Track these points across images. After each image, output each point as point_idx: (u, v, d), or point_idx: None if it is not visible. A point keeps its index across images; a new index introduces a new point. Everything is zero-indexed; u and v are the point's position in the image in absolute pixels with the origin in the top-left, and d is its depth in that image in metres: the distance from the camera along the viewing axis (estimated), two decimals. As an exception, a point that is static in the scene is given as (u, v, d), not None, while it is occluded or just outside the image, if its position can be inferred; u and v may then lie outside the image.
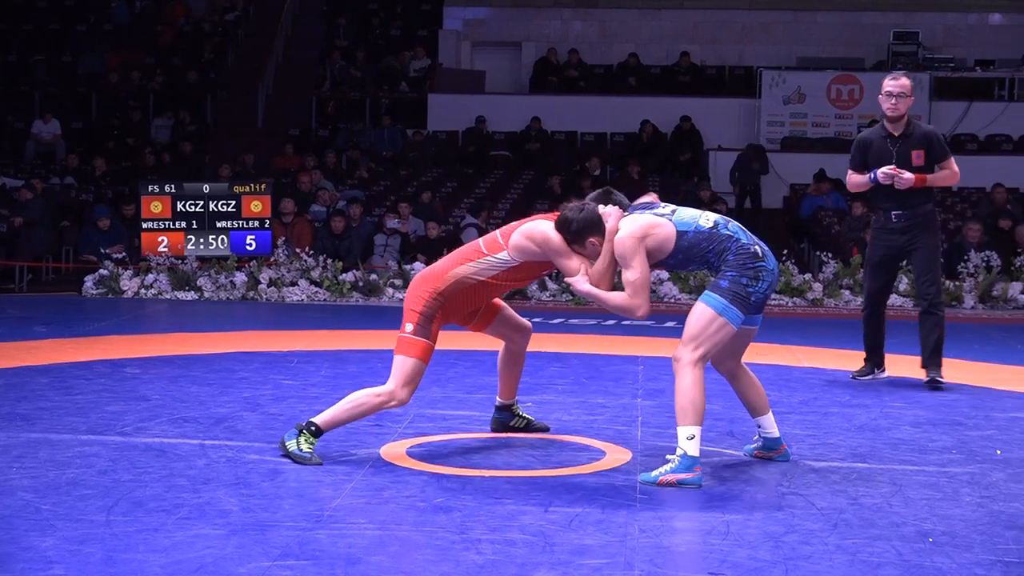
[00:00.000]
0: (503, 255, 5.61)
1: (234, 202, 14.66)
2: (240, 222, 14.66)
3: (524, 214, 17.37)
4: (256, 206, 14.72)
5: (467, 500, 4.91)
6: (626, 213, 5.46)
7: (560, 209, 5.51)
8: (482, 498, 4.95)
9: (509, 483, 5.23)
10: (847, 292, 13.70)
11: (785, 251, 14.57)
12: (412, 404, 6.78)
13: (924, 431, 6.54)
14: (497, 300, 6.03)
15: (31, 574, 3.92)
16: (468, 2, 24.16)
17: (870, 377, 8.26)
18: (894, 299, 13.57)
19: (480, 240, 5.76)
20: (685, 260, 5.46)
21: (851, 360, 8.76)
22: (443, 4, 24.23)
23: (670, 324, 11.54)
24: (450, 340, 10.03)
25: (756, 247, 5.36)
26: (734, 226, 5.42)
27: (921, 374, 8.16)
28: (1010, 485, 5.36)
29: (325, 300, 13.69)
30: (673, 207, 5.49)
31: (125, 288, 13.98)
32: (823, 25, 23.60)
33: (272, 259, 14.25)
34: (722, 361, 5.63)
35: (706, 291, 5.38)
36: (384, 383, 5.60)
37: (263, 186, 14.95)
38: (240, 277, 13.86)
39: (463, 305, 5.75)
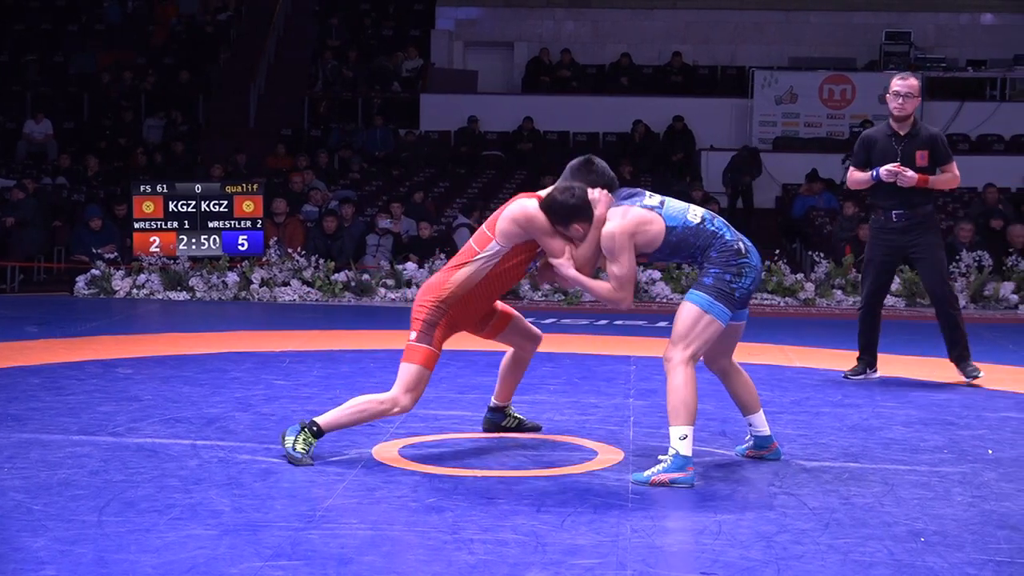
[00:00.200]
0: (492, 246, 5.58)
1: (226, 202, 14.66)
2: (232, 222, 14.66)
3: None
4: (248, 206, 14.72)
5: (459, 500, 4.91)
6: (615, 202, 5.42)
7: (545, 187, 5.49)
8: (474, 498, 4.95)
9: (501, 483, 5.23)
10: (839, 292, 13.72)
11: (777, 251, 14.58)
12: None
13: (916, 431, 6.55)
14: (509, 309, 6.01)
15: (22, 575, 3.91)
16: (460, 2, 24.15)
17: (862, 377, 8.27)
18: (887, 299, 13.60)
19: (471, 240, 5.74)
20: (671, 254, 5.48)
21: (843, 360, 8.77)
22: (435, 4, 24.21)
23: (662, 324, 11.56)
24: (446, 341, 10.04)
25: (740, 243, 5.37)
26: (719, 222, 5.43)
27: (919, 375, 8.18)
28: (1001, 484, 5.36)
29: (317, 300, 13.68)
30: (660, 198, 5.47)
31: (117, 288, 13.97)
32: (815, 25, 23.62)
33: (264, 259, 14.25)
34: (713, 360, 5.63)
35: (691, 289, 5.38)
36: (382, 385, 5.59)
37: (255, 186, 14.95)
38: (232, 277, 13.86)
39: (470, 310, 5.70)
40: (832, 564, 4.18)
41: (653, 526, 4.59)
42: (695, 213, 5.40)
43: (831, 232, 15.94)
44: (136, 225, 14.58)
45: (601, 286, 5.40)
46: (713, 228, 5.36)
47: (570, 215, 5.39)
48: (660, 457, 5.27)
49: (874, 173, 8.02)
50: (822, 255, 14.27)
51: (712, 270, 5.32)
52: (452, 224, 16.45)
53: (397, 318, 12.29)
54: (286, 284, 13.85)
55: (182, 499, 4.82)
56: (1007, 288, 13.54)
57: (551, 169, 19.05)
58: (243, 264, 14.14)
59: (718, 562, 4.17)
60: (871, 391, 7.87)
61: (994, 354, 9.40)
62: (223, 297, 13.74)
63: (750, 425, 5.74)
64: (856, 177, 8.21)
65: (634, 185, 7.65)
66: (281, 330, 10.95)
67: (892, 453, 5.98)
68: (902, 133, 8.08)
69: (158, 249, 14.41)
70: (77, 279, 14.23)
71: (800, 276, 14.05)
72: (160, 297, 13.79)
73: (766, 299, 13.54)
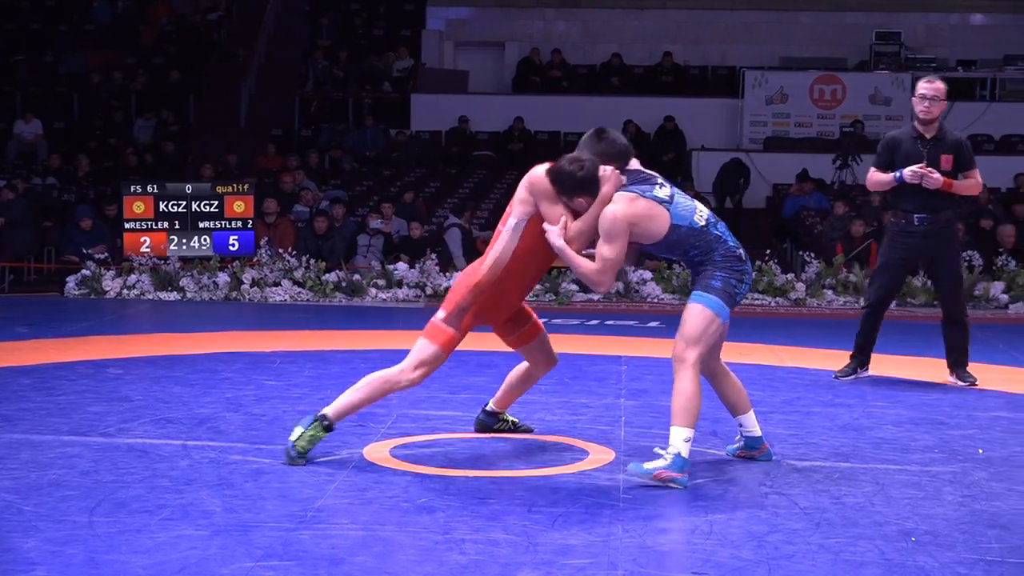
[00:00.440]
0: (511, 220, 5.55)
1: (217, 202, 14.64)
2: (223, 222, 14.64)
3: (507, 214, 17.46)
4: (239, 206, 14.70)
5: (450, 500, 4.91)
6: (626, 185, 5.34)
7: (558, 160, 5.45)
8: (465, 498, 4.95)
9: (492, 483, 5.23)
10: (829, 292, 13.73)
11: (768, 251, 14.59)
12: (395, 404, 6.80)
13: (906, 430, 6.56)
14: (540, 324, 5.98)
15: (13, 575, 3.91)
16: (451, 2, 24.15)
17: (853, 377, 8.27)
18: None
19: (499, 224, 5.69)
20: (666, 249, 5.46)
21: (834, 360, 8.78)
22: (426, 4, 24.21)
23: (653, 324, 11.58)
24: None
25: (740, 250, 5.41)
26: (722, 227, 5.44)
27: (910, 375, 8.19)
28: (992, 484, 5.37)
29: (308, 300, 13.67)
30: (671, 190, 5.40)
31: (107, 288, 13.95)
32: (806, 25, 23.64)
33: (255, 259, 14.23)
34: (703, 361, 5.63)
35: (698, 291, 5.35)
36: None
37: (246, 186, 14.93)
38: (223, 277, 13.84)
39: (502, 299, 5.66)
40: (823, 564, 4.18)
41: (644, 526, 4.60)
42: (701, 215, 5.37)
43: (821, 232, 15.96)
44: (126, 225, 14.55)
45: (584, 263, 5.35)
46: (717, 233, 5.37)
47: (575, 187, 5.32)
48: (659, 451, 5.25)
49: (898, 175, 7.96)
50: (812, 255, 14.28)
51: (719, 274, 5.32)
52: (443, 224, 16.44)
53: (388, 318, 12.29)
54: (277, 284, 13.83)
55: (173, 500, 4.82)
56: (997, 288, 13.56)
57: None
58: (234, 264, 14.12)
59: (709, 562, 4.17)
60: (862, 391, 7.88)
61: (984, 354, 9.41)
62: (214, 297, 13.72)
63: (740, 426, 5.75)
64: (878, 178, 8.14)
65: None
66: (272, 330, 10.94)
67: (883, 453, 5.99)
68: (928, 136, 8.04)
69: (148, 249, 14.39)
70: (67, 279, 14.20)
71: (791, 276, 14.06)
72: (151, 297, 13.76)
73: (757, 299, 13.55)
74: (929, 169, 7.87)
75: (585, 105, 21.61)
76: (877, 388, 7.99)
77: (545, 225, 5.42)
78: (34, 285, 15.51)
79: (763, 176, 19.71)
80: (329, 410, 5.53)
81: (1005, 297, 13.53)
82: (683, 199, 5.40)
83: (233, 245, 14.62)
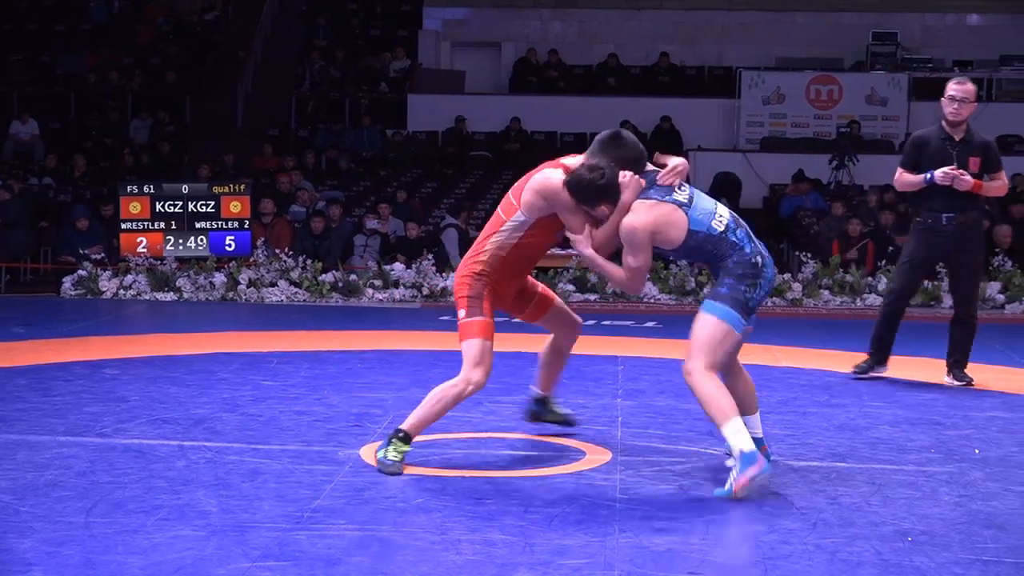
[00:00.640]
0: (518, 215, 5.54)
1: (213, 203, 14.64)
2: (219, 223, 14.63)
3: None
4: (235, 206, 14.69)
5: (447, 501, 4.91)
6: (644, 191, 5.28)
7: (570, 163, 5.41)
8: (462, 499, 4.95)
9: (489, 483, 5.23)
10: (826, 292, 13.73)
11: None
12: (391, 405, 6.81)
13: (903, 430, 6.56)
14: (549, 292, 5.98)
15: (9, 576, 3.91)
16: (448, 2, 24.15)
17: (869, 375, 8.23)
18: (872, 299, 13.62)
19: (499, 208, 5.67)
20: (685, 255, 5.44)
21: (830, 360, 8.79)
22: (423, 4, 24.21)
23: (649, 324, 11.58)
24: (428, 341, 10.03)
25: (757, 257, 5.30)
26: (742, 232, 5.34)
27: (906, 375, 8.19)
28: (988, 484, 5.38)
29: (305, 301, 13.66)
30: (690, 192, 5.35)
31: (104, 289, 13.94)
32: (802, 26, 23.65)
33: (251, 260, 14.22)
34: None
35: (707, 300, 5.33)
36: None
37: (242, 186, 14.92)
38: (220, 278, 13.83)
39: (505, 282, 5.67)
40: (819, 564, 4.18)
41: (641, 526, 4.60)
42: (720, 220, 5.29)
43: (818, 232, 15.96)
44: (123, 226, 14.54)
45: (615, 270, 5.35)
46: (734, 239, 5.28)
47: (596, 196, 5.28)
48: (728, 464, 5.19)
49: (928, 176, 7.94)
50: (809, 255, 14.28)
51: (728, 280, 5.27)
52: (440, 224, 16.44)
53: (385, 319, 12.28)
54: (274, 285, 13.83)
55: (169, 500, 4.82)
56: (993, 288, 13.56)
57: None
58: (230, 265, 14.11)
59: (706, 562, 4.17)
60: (858, 391, 7.88)
61: (981, 354, 9.40)
62: (210, 298, 13.71)
63: (745, 424, 5.70)
64: (907, 179, 8.12)
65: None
66: (269, 331, 10.94)
67: (879, 453, 5.99)
68: (957, 138, 8.04)
69: (145, 250, 14.38)
70: (64, 280, 14.19)
71: (787, 276, 14.06)
72: (147, 298, 13.75)
73: (753, 299, 13.53)
74: (960, 171, 7.87)
75: (582, 105, 21.62)
76: (873, 388, 7.99)
77: (570, 235, 5.40)
78: (30, 285, 15.50)
79: (760, 176, 19.72)
80: (405, 425, 5.50)
81: (1002, 297, 13.54)
82: (702, 201, 5.34)
83: (229, 245, 14.61)
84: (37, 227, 16.44)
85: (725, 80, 22.59)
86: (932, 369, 8.49)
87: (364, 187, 19.24)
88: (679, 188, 5.34)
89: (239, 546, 4.24)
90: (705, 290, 13.74)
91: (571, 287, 13.43)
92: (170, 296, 13.75)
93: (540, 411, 6.24)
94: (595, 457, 5.76)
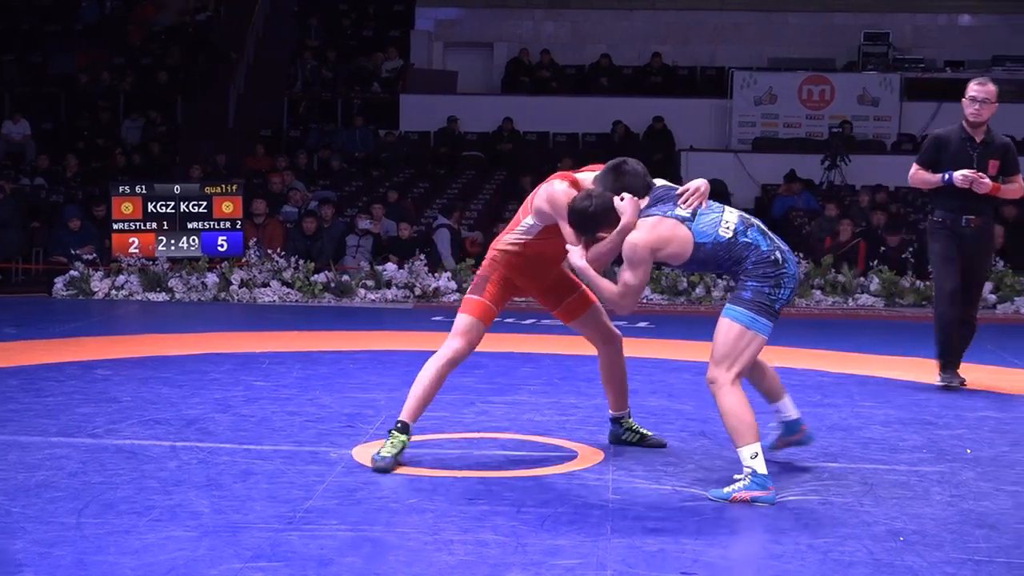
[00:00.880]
0: (529, 219, 5.60)
1: (205, 203, 14.62)
2: (211, 223, 14.62)
3: (496, 215, 17.49)
4: (227, 207, 14.68)
5: (439, 501, 4.91)
6: (645, 209, 5.22)
7: (530, 185, 5.45)
8: (454, 499, 4.94)
9: (481, 484, 5.23)
10: (818, 292, 13.75)
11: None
12: (384, 405, 6.81)
13: (895, 430, 6.57)
14: (590, 297, 5.90)
15: (1, 577, 3.90)
16: (440, 2, 24.15)
17: (958, 382, 8.11)
18: (864, 299, 13.64)
19: (521, 208, 5.72)
20: (699, 267, 5.30)
21: (822, 360, 8.79)
22: (415, 4, 24.21)
23: (642, 324, 11.57)
24: (420, 342, 10.03)
25: (776, 253, 5.15)
26: (754, 231, 5.19)
27: (898, 374, 8.18)
28: (980, 484, 5.38)
29: (297, 301, 13.66)
30: (711, 208, 5.24)
31: (96, 289, 13.92)
32: (794, 26, 23.67)
33: (244, 260, 14.22)
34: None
35: (729, 305, 5.18)
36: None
37: (234, 187, 14.91)
38: (212, 278, 13.82)
39: (525, 273, 5.72)
40: (811, 563, 4.19)
41: (633, 526, 4.60)
42: (727, 226, 5.15)
43: (810, 232, 15.98)
44: (115, 226, 14.53)
45: (607, 286, 5.25)
46: (747, 240, 5.13)
47: (591, 223, 5.23)
48: (736, 476, 5.10)
49: (947, 176, 7.92)
50: (801, 255, 14.29)
51: (750, 283, 5.12)
52: (432, 224, 16.44)
53: (377, 319, 12.28)
54: (266, 285, 13.82)
55: (161, 501, 4.81)
56: (986, 288, 13.57)
57: (531, 169, 19.12)
58: (223, 265, 14.10)
59: (698, 562, 4.18)
60: (850, 391, 7.89)
61: (972, 353, 9.41)
62: (203, 298, 13.71)
63: (777, 412, 5.63)
64: (923, 177, 8.09)
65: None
66: (261, 331, 10.93)
67: (871, 453, 6.00)
68: (978, 139, 8.02)
69: (137, 250, 14.37)
70: (55, 280, 14.17)
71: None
72: (139, 298, 13.74)
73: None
74: (979, 174, 7.86)
75: (574, 105, 21.63)
76: (865, 388, 8.00)
77: (568, 247, 5.37)
78: (22, 286, 15.48)
79: (752, 177, 19.74)
80: (401, 415, 5.56)
81: (993, 297, 13.57)
82: (708, 213, 5.19)
83: (222, 246, 14.60)
84: (29, 227, 16.42)
85: (717, 80, 22.60)
86: (924, 369, 8.50)
87: (356, 187, 19.23)
88: (679, 205, 5.23)
89: (231, 547, 4.23)
90: (705, 292, 13.75)
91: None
92: (162, 297, 13.75)
93: (617, 431, 6.11)
94: (588, 457, 5.76)
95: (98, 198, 16.36)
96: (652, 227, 5.16)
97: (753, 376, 5.54)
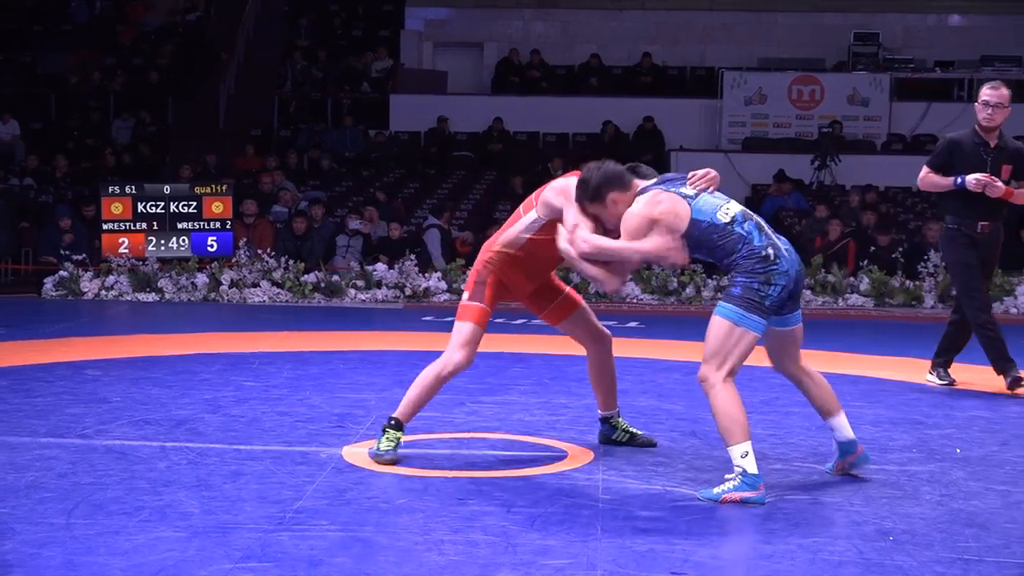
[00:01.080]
0: (532, 214, 5.59)
1: (195, 203, 14.61)
2: (201, 223, 14.61)
3: (486, 215, 17.50)
4: (217, 207, 14.67)
5: (429, 501, 4.91)
6: (651, 186, 5.28)
7: (515, 187, 5.46)
8: (444, 499, 4.94)
9: (472, 484, 5.22)
10: (808, 292, 13.76)
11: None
12: (374, 405, 6.81)
13: (884, 430, 6.57)
14: (577, 296, 5.94)
15: (-10, 578, 3.89)
16: (430, 2, 24.16)
17: (950, 381, 8.13)
18: (855, 299, 13.67)
19: (521, 206, 5.72)
20: (694, 248, 5.22)
21: (812, 360, 8.75)
22: (404, 4, 24.21)
23: (632, 324, 11.58)
24: (410, 342, 10.04)
25: (768, 249, 5.10)
26: (751, 225, 5.16)
27: (888, 374, 8.19)
28: (969, 483, 5.39)
29: (287, 301, 13.65)
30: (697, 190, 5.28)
31: (85, 290, 13.91)
32: (784, 26, 23.71)
33: (234, 260, 14.20)
34: (783, 368, 5.47)
35: (720, 302, 5.18)
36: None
37: (224, 187, 14.90)
38: (201, 278, 13.81)
39: (518, 274, 5.69)
40: (801, 563, 4.19)
41: (623, 526, 4.60)
42: (726, 211, 5.15)
43: (800, 232, 16.00)
44: (105, 226, 14.51)
45: (589, 268, 5.26)
46: (742, 231, 5.11)
47: (600, 186, 5.24)
48: (726, 476, 5.07)
49: (959, 180, 7.88)
50: (792, 255, 14.30)
51: (739, 279, 5.09)
52: (422, 225, 16.44)
53: (367, 319, 12.27)
54: (256, 285, 13.81)
55: (151, 501, 4.80)
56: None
57: (521, 170, 19.15)
58: (212, 265, 14.09)
59: (688, 562, 4.18)
60: (840, 391, 7.87)
61: (962, 353, 9.43)
62: (192, 298, 13.69)
63: (832, 430, 5.51)
64: (934, 180, 8.05)
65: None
66: (251, 331, 10.92)
67: (861, 452, 5.99)
68: (991, 144, 7.99)
69: (127, 250, 14.35)
70: (45, 280, 14.15)
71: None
72: (129, 299, 13.73)
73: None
74: (993, 178, 7.84)
75: (564, 106, 21.65)
76: (855, 388, 8.00)
77: (565, 227, 5.35)
78: (11, 286, 15.45)
79: (742, 176, 19.76)
80: (396, 413, 5.60)
81: (982, 297, 13.58)
82: (708, 197, 5.22)
83: (212, 246, 14.58)
84: (18, 228, 16.40)
85: (707, 80, 22.62)
86: (914, 369, 8.51)
87: (346, 187, 19.23)
88: (686, 186, 5.28)
89: (221, 547, 4.23)
90: (695, 292, 13.76)
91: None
92: (152, 297, 13.73)
93: (607, 431, 6.10)
94: (578, 457, 5.76)
95: (88, 198, 16.33)
96: (651, 198, 5.22)
97: (805, 392, 5.48)
